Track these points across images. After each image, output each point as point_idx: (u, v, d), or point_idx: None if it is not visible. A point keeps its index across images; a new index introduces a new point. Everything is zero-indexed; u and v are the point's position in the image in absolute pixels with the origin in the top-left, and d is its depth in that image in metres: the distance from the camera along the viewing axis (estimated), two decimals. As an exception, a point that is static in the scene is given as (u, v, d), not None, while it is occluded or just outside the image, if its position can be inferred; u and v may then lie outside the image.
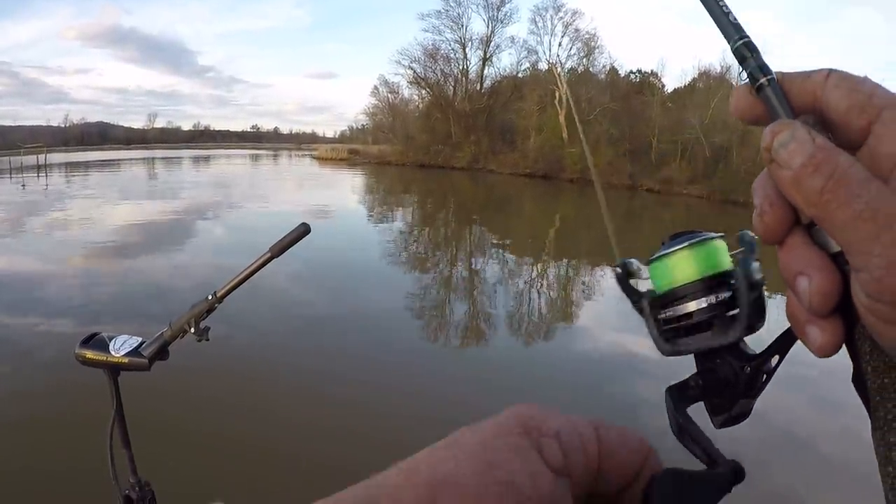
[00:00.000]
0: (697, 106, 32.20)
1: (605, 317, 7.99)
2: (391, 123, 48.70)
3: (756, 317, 0.39)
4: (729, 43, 0.33)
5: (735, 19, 0.33)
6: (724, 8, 0.33)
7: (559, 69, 39.05)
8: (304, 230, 1.37)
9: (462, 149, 40.95)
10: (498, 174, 37.18)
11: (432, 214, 20.04)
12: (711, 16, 0.33)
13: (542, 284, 10.30)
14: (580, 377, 5.77)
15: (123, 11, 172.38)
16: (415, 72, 45.45)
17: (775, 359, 0.39)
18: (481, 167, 39.31)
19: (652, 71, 41.45)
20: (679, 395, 0.40)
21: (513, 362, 6.12)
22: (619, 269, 0.43)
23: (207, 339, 1.37)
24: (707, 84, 34.50)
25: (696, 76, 36.96)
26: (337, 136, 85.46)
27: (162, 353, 1.37)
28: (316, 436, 4.11)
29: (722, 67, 33.69)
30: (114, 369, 1.37)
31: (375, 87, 51.25)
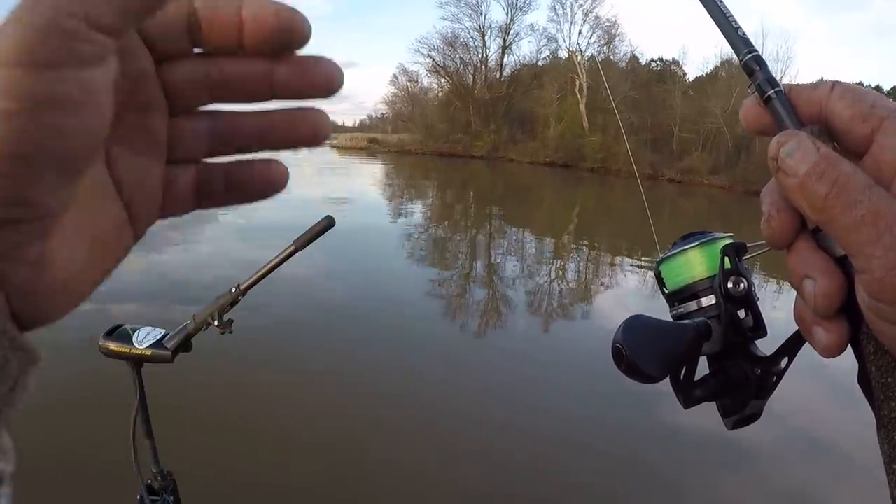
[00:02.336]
0: (719, 95, 31.62)
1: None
2: (410, 112, 48.61)
3: (734, 333, 0.41)
4: (738, 56, 0.34)
5: (744, 34, 0.34)
6: (733, 23, 0.34)
7: (580, 58, 38.58)
8: (328, 223, 1.35)
9: (482, 137, 40.74)
10: (518, 163, 36.93)
11: (452, 203, 19.99)
12: (722, 31, 0.35)
13: (571, 279, 10.23)
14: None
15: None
16: (434, 60, 45.24)
17: (784, 360, 0.40)
18: (501, 156, 39.04)
19: (673, 59, 40.76)
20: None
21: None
22: (657, 268, 0.47)
23: (231, 332, 1.36)
24: (729, 73, 33.83)
25: (717, 65, 36.25)
26: (357, 125, 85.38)
27: (185, 345, 1.36)
28: (338, 425, 4.12)
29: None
30: (137, 361, 1.37)
31: (395, 76, 51.22)
